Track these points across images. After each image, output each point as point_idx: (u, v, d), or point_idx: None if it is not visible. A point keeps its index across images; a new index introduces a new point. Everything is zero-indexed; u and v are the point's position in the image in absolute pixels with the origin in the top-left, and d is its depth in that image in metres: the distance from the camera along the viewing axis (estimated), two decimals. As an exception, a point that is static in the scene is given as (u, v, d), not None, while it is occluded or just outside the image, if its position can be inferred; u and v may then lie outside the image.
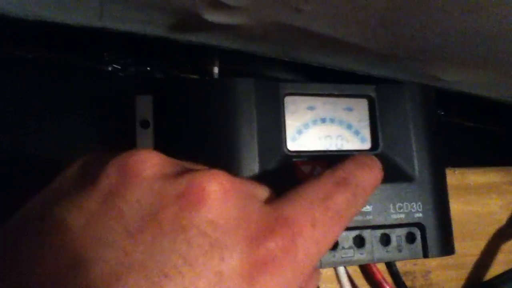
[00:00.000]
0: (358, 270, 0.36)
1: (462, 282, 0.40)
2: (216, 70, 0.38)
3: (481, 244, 0.41)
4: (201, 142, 0.30)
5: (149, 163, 0.19)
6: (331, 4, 0.26)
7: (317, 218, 0.20)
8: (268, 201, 0.21)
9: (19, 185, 0.33)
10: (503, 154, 0.44)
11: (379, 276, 0.34)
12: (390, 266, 0.35)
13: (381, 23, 0.28)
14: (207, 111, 0.30)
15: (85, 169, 0.20)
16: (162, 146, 0.32)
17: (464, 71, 0.35)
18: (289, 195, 0.21)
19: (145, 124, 0.33)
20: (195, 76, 0.39)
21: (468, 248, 0.41)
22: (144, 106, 0.33)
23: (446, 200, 0.34)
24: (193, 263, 0.17)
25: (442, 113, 0.45)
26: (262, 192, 0.22)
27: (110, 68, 0.36)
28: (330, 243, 0.21)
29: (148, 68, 0.37)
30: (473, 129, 0.44)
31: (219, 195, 0.19)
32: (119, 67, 0.37)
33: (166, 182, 0.19)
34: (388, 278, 0.34)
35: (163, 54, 0.37)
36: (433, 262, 0.39)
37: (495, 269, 0.41)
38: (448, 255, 0.33)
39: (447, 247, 0.33)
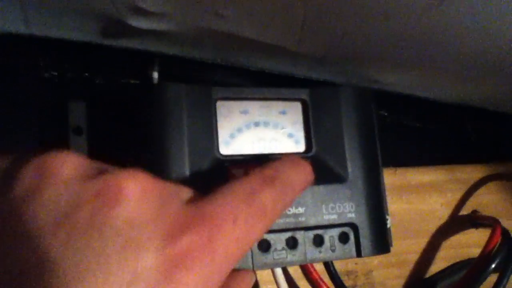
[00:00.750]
0: (299, 270, 0.37)
1: (404, 280, 0.41)
2: (155, 75, 0.38)
3: (423, 241, 0.42)
4: (133, 147, 0.30)
5: (67, 164, 0.19)
6: (250, 9, 0.26)
7: (238, 214, 0.20)
8: (191, 201, 0.21)
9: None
10: (443, 152, 0.45)
11: (315, 276, 0.34)
12: (328, 266, 0.35)
13: (304, 27, 0.28)
14: (140, 116, 0.30)
15: (4, 171, 0.20)
16: (96, 152, 0.32)
17: (397, 72, 0.36)
18: (213, 193, 0.21)
19: (78, 131, 0.33)
20: (135, 81, 0.39)
21: (410, 246, 0.41)
22: (77, 112, 0.33)
23: (381, 200, 0.35)
24: (107, 262, 0.17)
25: (386, 114, 0.46)
26: (186, 192, 0.22)
27: (47, 75, 0.36)
28: (253, 241, 0.21)
29: (87, 74, 0.37)
30: (414, 129, 0.45)
31: (136, 194, 0.19)
32: (55, 73, 0.36)
33: (84, 182, 0.19)
34: (326, 278, 0.35)
35: (100, 59, 0.37)
36: (375, 261, 0.40)
37: (437, 265, 0.42)
38: (383, 253, 0.34)
39: (381, 246, 0.34)
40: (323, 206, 0.32)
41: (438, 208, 0.43)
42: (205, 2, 0.25)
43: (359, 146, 0.34)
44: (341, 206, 0.33)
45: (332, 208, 0.32)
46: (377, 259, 0.40)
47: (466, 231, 0.44)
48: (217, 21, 0.28)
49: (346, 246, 0.32)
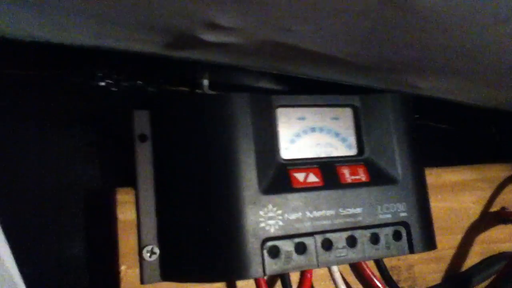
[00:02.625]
0: (348, 267, 0.39)
1: (442, 274, 0.43)
2: (206, 83, 0.39)
3: (458, 238, 0.44)
4: (200, 154, 0.32)
5: None
6: (320, 24, 0.28)
7: None
8: None
9: (20, 207, 0.34)
10: (472, 153, 0.48)
11: (368, 272, 0.36)
12: (378, 262, 0.37)
13: (366, 41, 0.30)
14: (206, 124, 0.32)
15: None
16: (161, 159, 0.34)
17: (439, 79, 0.38)
18: None
19: (143, 138, 0.34)
20: (185, 89, 0.41)
21: (446, 242, 0.44)
22: (142, 120, 0.34)
23: (427, 199, 0.37)
24: None
25: (417, 116, 0.48)
26: None
27: (103, 84, 0.37)
28: None
29: (140, 82, 0.39)
30: (444, 131, 0.47)
31: None
32: (111, 81, 0.38)
33: None
34: (376, 273, 0.37)
35: (155, 68, 0.39)
36: (415, 257, 0.42)
37: (471, 260, 0.44)
38: (431, 250, 0.36)
39: (430, 243, 0.36)
40: (378, 206, 0.34)
41: (471, 206, 0.46)
42: (280, 19, 0.27)
43: (408, 149, 0.36)
44: (394, 206, 0.34)
45: (386, 208, 0.34)
46: (417, 255, 0.42)
47: (496, 227, 0.46)
48: (285, 35, 0.29)
49: (400, 243, 0.34)
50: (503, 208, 0.47)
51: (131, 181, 0.33)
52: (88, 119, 0.36)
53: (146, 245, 0.33)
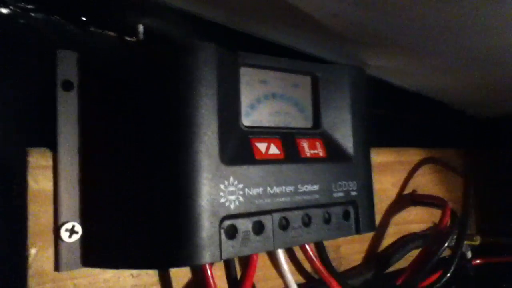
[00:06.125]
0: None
1: (364, 254, 0.43)
2: (141, 29, 0.33)
3: (377, 218, 0.45)
4: (147, 111, 0.25)
5: None
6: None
7: None
8: None
9: None
10: (395, 136, 0.49)
11: (310, 254, 0.34)
12: (318, 243, 0.35)
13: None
14: (159, 74, 0.26)
15: None
16: (91, 113, 0.27)
17: (391, 58, 0.37)
18: None
19: (67, 86, 0.26)
20: (112, 34, 0.33)
21: (368, 223, 0.44)
22: (67, 63, 0.27)
23: (371, 179, 0.36)
24: None
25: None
26: None
27: (7, 10, 0.28)
28: None
29: (57, 18, 0.30)
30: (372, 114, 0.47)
31: None
32: (18, 10, 0.29)
33: None
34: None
35: (76, 3, 0.30)
36: (341, 238, 0.41)
37: (387, 240, 0.45)
38: (373, 230, 0.35)
39: (373, 224, 0.35)
40: (333, 184, 0.32)
41: (389, 187, 0.47)
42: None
43: (361, 125, 0.34)
44: (347, 184, 0.33)
45: (339, 186, 0.32)
46: (343, 236, 0.41)
47: (407, 209, 0.48)
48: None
49: (348, 223, 0.33)
50: (414, 191, 0.49)
51: (47, 141, 0.26)
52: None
53: (65, 222, 0.26)
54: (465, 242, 0.47)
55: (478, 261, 0.51)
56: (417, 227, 0.48)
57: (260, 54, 0.29)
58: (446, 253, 0.41)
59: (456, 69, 0.38)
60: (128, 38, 0.33)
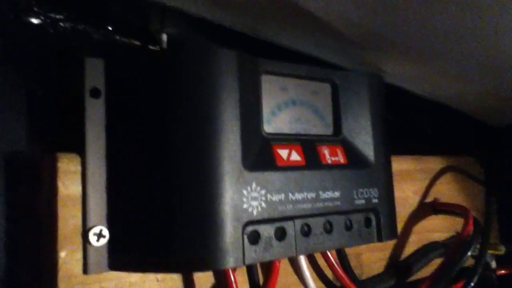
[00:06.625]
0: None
1: (385, 262, 0.43)
2: (165, 38, 0.33)
3: (398, 226, 0.45)
4: (174, 117, 0.26)
5: None
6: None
7: None
8: None
9: None
10: (415, 144, 0.49)
11: (332, 261, 0.34)
12: (340, 250, 0.35)
13: (374, 7, 0.27)
14: (183, 81, 0.26)
15: None
16: (118, 120, 0.27)
17: (403, 65, 0.38)
18: None
19: (95, 93, 0.27)
20: (136, 43, 0.34)
21: (389, 231, 0.44)
22: (94, 71, 0.27)
23: (393, 186, 0.36)
24: None
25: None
26: None
27: (38, 21, 0.29)
28: None
29: (84, 27, 0.31)
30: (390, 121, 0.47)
31: None
32: (48, 20, 0.30)
33: None
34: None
35: (102, 13, 0.32)
36: (363, 245, 0.41)
37: (408, 249, 0.45)
38: (394, 238, 0.35)
39: (394, 231, 0.35)
40: (354, 191, 0.32)
41: (410, 195, 0.46)
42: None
43: (381, 132, 0.34)
44: (368, 192, 0.33)
45: (361, 193, 0.32)
46: (365, 243, 0.41)
47: (429, 217, 0.47)
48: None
49: (369, 230, 0.33)
50: (435, 199, 0.48)
51: (75, 147, 0.26)
52: (18, 63, 0.28)
53: (93, 226, 0.26)
54: (489, 251, 0.46)
55: (503, 271, 0.50)
56: (439, 236, 0.48)
57: (280, 61, 0.30)
58: (469, 262, 0.40)
59: (471, 76, 0.38)
60: (151, 47, 0.34)
